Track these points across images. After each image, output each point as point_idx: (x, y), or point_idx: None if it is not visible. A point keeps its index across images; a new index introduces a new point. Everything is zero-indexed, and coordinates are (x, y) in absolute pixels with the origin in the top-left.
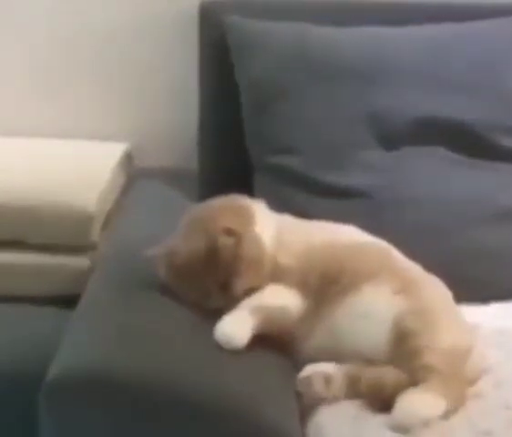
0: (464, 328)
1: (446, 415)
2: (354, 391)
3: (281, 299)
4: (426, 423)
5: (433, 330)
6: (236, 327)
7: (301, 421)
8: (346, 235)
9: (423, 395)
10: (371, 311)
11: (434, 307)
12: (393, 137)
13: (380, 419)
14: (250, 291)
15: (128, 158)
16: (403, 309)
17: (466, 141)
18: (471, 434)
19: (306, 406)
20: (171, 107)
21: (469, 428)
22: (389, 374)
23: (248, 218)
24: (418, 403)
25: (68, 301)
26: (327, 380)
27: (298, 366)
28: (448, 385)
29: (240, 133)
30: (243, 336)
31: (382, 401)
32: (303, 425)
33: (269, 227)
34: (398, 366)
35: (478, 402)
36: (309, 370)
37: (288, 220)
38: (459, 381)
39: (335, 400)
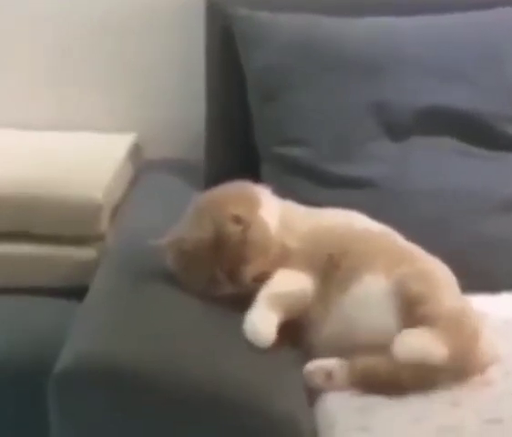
0: (467, 311)
1: (451, 366)
2: (355, 382)
3: (296, 282)
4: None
5: (436, 291)
6: (262, 326)
7: (310, 412)
8: (349, 219)
9: (424, 335)
10: (373, 297)
11: (434, 272)
12: (400, 128)
13: (388, 409)
14: (258, 277)
15: (136, 150)
16: (403, 276)
17: (474, 131)
18: (480, 423)
19: (315, 396)
20: (179, 99)
21: (478, 416)
22: (383, 362)
23: (254, 203)
24: (419, 341)
25: (76, 293)
26: (328, 375)
27: (310, 355)
28: (452, 336)
29: (247, 124)
30: (270, 333)
31: (376, 389)
32: (313, 415)
33: (274, 211)
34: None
35: (488, 391)
36: (311, 365)
37: (292, 205)
38: (464, 335)
39: (338, 390)
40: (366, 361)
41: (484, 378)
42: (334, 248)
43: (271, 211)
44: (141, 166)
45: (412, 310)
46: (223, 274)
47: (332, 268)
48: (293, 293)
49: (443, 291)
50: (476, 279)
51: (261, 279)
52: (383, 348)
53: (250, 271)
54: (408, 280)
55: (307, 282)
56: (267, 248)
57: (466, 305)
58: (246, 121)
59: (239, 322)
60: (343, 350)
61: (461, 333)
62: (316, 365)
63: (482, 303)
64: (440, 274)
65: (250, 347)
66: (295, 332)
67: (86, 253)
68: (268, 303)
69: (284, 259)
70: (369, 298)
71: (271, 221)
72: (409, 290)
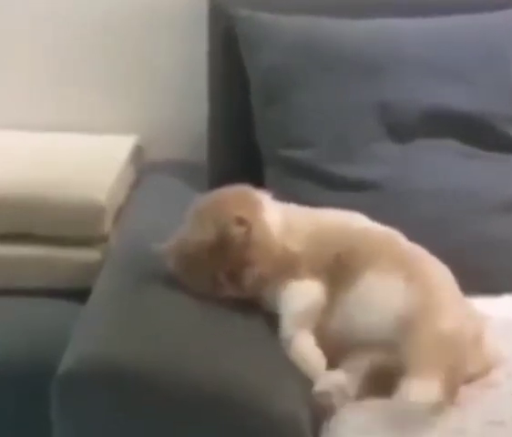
0: (470, 314)
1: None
2: (365, 392)
3: (310, 294)
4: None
5: (435, 315)
6: (310, 355)
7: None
8: (353, 220)
9: (418, 382)
10: (373, 301)
11: (438, 291)
12: (403, 129)
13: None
14: (259, 281)
15: (138, 152)
16: (407, 298)
17: (476, 132)
18: (483, 424)
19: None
20: (181, 100)
21: (481, 418)
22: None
23: (255, 206)
24: (416, 391)
25: (80, 294)
26: (343, 391)
27: None
28: (443, 373)
29: (250, 126)
30: (321, 359)
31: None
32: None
33: (276, 214)
34: (400, 351)
35: (491, 393)
36: (325, 383)
37: (294, 208)
38: (455, 370)
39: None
40: (373, 366)
41: (488, 380)
42: (341, 247)
43: (273, 215)
44: (144, 167)
45: (409, 327)
46: (225, 276)
47: (339, 267)
48: (314, 307)
49: (440, 308)
50: (476, 281)
51: (263, 281)
52: (380, 347)
53: (252, 273)
54: (410, 306)
55: (319, 291)
56: (269, 251)
57: (464, 318)
58: (249, 122)
59: (239, 323)
60: (345, 348)
61: (453, 362)
62: (331, 382)
63: (483, 305)
64: (441, 284)
65: (252, 346)
66: None
67: (89, 255)
68: (298, 325)
69: (290, 265)
70: (371, 298)
71: (273, 224)
72: (409, 317)
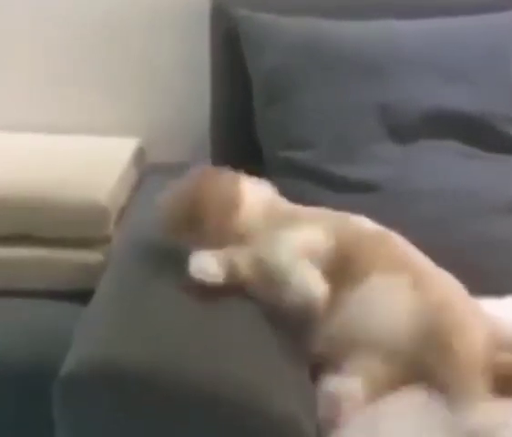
0: (483, 319)
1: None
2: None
3: (312, 233)
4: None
5: (461, 327)
6: (313, 283)
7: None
8: (358, 222)
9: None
10: (384, 303)
11: (453, 301)
12: (403, 130)
13: (393, 413)
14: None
15: (140, 153)
16: (422, 302)
17: (477, 133)
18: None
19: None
20: (183, 102)
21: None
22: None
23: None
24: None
25: (83, 296)
26: (352, 399)
27: (311, 351)
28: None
29: (252, 127)
30: (321, 284)
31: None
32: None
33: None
34: (423, 355)
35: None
36: (334, 390)
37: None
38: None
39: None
40: (380, 370)
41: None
42: (345, 245)
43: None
44: (145, 169)
45: (433, 337)
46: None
47: (341, 265)
48: (316, 242)
49: (465, 325)
50: (477, 281)
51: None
52: (386, 350)
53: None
54: (429, 311)
55: (324, 236)
56: (232, 208)
57: (483, 326)
58: (251, 123)
59: (239, 323)
60: (345, 348)
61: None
62: (340, 390)
63: (487, 307)
64: (457, 300)
65: (254, 344)
66: (299, 327)
67: (91, 256)
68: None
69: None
70: (376, 299)
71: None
72: (431, 320)
